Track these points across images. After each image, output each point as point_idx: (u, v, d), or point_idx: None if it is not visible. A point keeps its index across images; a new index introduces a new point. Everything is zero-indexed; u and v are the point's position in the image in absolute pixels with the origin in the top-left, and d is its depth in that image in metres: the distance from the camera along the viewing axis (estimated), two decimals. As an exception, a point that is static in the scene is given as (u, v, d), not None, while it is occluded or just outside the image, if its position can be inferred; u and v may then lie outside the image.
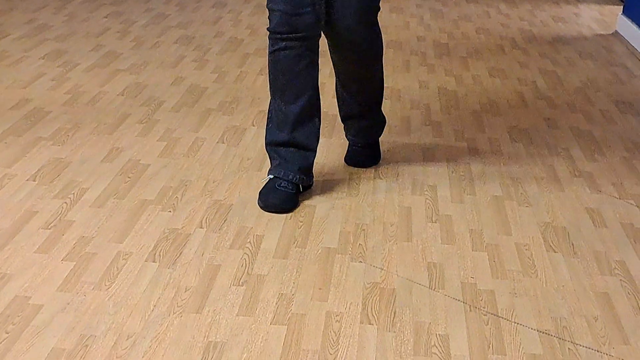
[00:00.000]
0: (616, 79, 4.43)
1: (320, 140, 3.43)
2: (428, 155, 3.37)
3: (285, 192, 2.88)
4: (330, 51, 3.03)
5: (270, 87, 2.91)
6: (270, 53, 2.85)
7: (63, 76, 4.05)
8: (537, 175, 3.24)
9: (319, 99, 2.92)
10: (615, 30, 5.34)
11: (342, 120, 3.22)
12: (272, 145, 2.94)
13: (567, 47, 4.99)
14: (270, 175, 2.92)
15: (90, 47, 4.52)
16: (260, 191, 2.90)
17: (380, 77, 3.11)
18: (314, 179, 3.02)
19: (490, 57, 4.72)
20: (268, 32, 2.85)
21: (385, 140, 3.48)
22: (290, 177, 2.90)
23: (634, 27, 5.00)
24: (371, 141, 3.24)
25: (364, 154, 3.23)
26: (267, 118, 2.95)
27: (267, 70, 2.97)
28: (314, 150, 2.94)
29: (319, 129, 2.95)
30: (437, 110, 3.85)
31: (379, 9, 2.93)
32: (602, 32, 5.35)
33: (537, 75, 4.42)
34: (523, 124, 3.73)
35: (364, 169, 3.21)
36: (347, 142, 3.32)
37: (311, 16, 2.78)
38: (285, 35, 2.80)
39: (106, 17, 5.12)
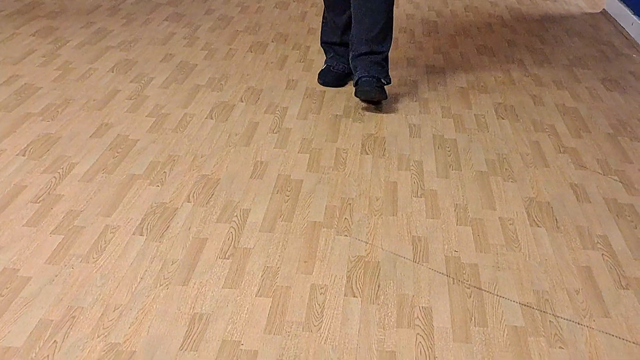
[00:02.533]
0: (603, 56, 4.46)
1: (308, 116, 3.47)
2: (415, 131, 3.40)
3: (338, 74, 3.81)
4: None
5: (324, 3, 3.79)
6: None
7: (53, 53, 4.07)
8: (522, 151, 3.27)
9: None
10: (604, 9, 5.36)
11: (352, 60, 3.66)
12: (327, 43, 3.85)
13: (555, 25, 5.02)
14: (327, 64, 3.85)
15: (81, 25, 4.52)
16: (320, 73, 3.85)
17: (391, 14, 3.60)
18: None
19: (479, 35, 4.74)
20: None
21: (373, 116, 3.51)
22: (341, 66, 3.82)
23: (621, 5, 5.02)
24: (377, 75, 3.59)
25: (374, 84, 3.55)
26: (322, 23, 3.86)
27: None
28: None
29: None
30: (425, 87, 3.87)
31: None
32: (590, 11, 5.38)
33: (524, 53, 4.44)
34: (509, 101, 3.76)
35: (352, 144, 3.24)
36: (335, 119, 3.37)
37: None
38: None
39: (96, -5, 5.13)
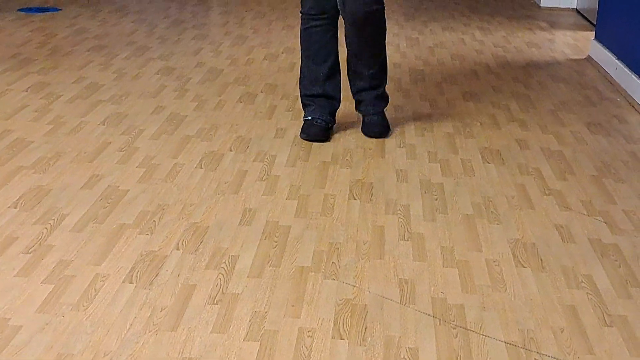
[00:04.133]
0: (588, 101, 4.53)
1: (296, 163, 3.52)
2: (401, 176, 3.45)
3: (321, 127, 3.80)
4: (345, 30, 3.76)
5: (302, 54, 3.85)
6: (303, 30, 3.80)
7: (45, 107, 4.13)
8: (508, 194, 3.32)
9: (339, 60, 3.84)
10: (588, 55, 5.45)
11: (354, 95, 3.90)
12: (308, 96, 3.86)
13: (540, 71, 5.10)
14: (308, 117, 3.82)
15: (72, 80, 4.59)
16: (302, 128, 3.81)
17: (384, 53, 3.86)
18: (335, 121, 3.92)
19: (465, 81, 4.82)
20: (301, 14, 3.79)
21: (360, 162, 3.56)
22: (323, 117, 3.82)
23: (605, 51, 5.11)
24: (380, 110, 3.89)
25: (379, 122, 3.87)
26: (300, 77, 3.88)
27: (300, 42, 3.86)
28: (338, 100, 3.89)
29: (341, 83, 3.88)
30: (412, 133, 3.93)
31: None
32: (575, 57, 5.46)
33: (510, 99, 4.51)
34: (495, 145, 3.82)
35: (339, 190, 3.28)
36: (324, 166, 3.43)
37: (333, 1, 3.69)
38: (317, 15, 3.73)
39: (89, 51, 5.21)
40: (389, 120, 3.94)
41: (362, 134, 3.88)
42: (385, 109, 3.94)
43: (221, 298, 2.52)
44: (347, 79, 3.91)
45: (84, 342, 2.28)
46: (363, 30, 3.71)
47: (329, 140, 3.80)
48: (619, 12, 4.99)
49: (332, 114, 3.87)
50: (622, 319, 2.49)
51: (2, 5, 6.43)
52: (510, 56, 5.42)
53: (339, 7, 3.68)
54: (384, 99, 3.93)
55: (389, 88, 4.55)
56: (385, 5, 3.74)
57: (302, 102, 3.91)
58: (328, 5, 3.72)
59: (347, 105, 4.15)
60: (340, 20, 3.78)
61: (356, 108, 3.94)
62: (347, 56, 3.85)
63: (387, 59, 3.99)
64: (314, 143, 3.76)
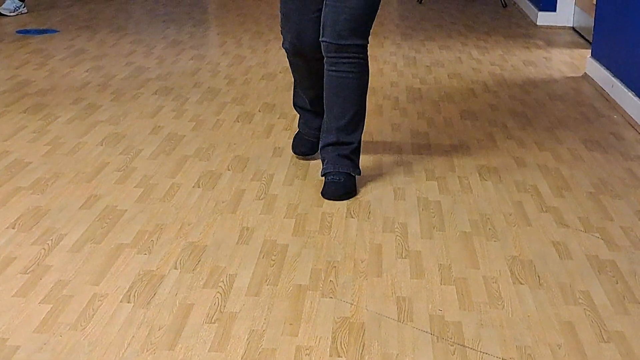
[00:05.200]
0: (584, 118, 4.54)
1: (294, 182, 3.53)
2: (399, 194, 3.45)
3: (307, 141, 3.80)
4: (324, 72, 3.49)
5: (293, 76, 3.74)
6: (287, 58, 3.63)
7: (43, 129, 4.14)
8: (505, 212, 3.32)
9: None
10: (585, 73, 5.46)
11: (320, 150, 3.52)
12: (299, 107, 3.82)
13: (537, 89, 5.11)
14: (300, 128, 3.82)
15: (70, 101, 4.61)
16: (294, 139, 3.83)
17: (364, 105, 3.48)
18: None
19: (462, 100, 4.83)
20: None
21: (358, 180, 3.57)
22: (312, 132, 3.78)
23: (601, 68, 5.13)
24: (346, 171, 3.43)
25: (337, 182, 3.39)
26: (293, 87, 3.80)
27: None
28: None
29: None
30: (409, 151, 3.94)
31: (369, 27, 3.36)
32: (571, 75, 5.48)
33: (507, 117, 4.53)
34: (492, 163, 3.83)
35: (337, 208, 3.29)
36: (321, 184, 3.45)
37: (313, 42, 3.45)
38: (296, 54, 3.53)
39: (87, 72, 5.23)
40: (355, 184, 3.45)
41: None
42: (353, 176, 3.44)
43: (219, 317, 2.52)
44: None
45: (81, 362, 2.28)
46: (337, 68, 3.37)
47: (315, 153, 3.82)
48: (614, 30, 5.02)
49: (320, 129, 3.75)
50: (620, 335, 2.49)
51: (0, 27, 6.46)
52: (507, 74, 5.44)
53: (320, 38, 3.37)
54: (351, 161, 3.45)
55: (386, 106, 4.57)
56: (367, 49, 3.40)
57: (295, 109, 3.86)
58: (306, 47, 3.45)
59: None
60: None
61: (322, 171, 3.49)
62: (324, 101, 3.52)
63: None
64: (311, 161, 3.77)
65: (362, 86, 3.43)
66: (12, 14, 6.94)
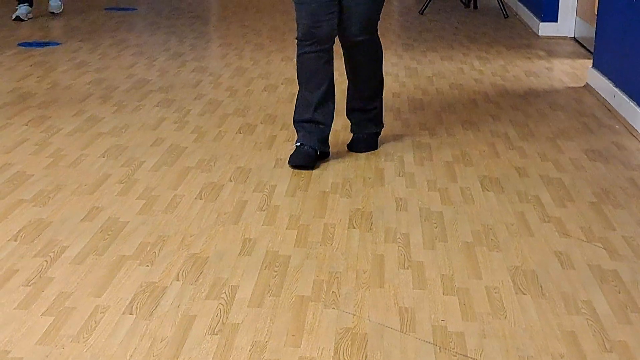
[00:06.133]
0: (586, 128, 4.55)
1: (296, 193, 3.53)
2: (401, 205, 3.46)
3: (307, 153, 3.84)
4: (343, 54, 4.00)
5: (298, 80, 3.94)
6: (298, 56, 3.90)
7: (45, 141, 4.14)
8: (507, 222, 3.32)
9: (333, 88, 3.93)
10: (586, 83, 5.47)
11: (348, 115, 4.12)
12: (298, 122, 3.92)
13: (539, 99, 5.12)
14: (297, 143, 3.88)
15: (72, 113, 4.62)
16: (290, 155, 3.86)
17: (380, 77, 4.08)
18: (329, 149, 3.97)
19: (464, 110, 4.84)
20: (296, 39, 3.90)
21: (360, 191, 3.57)
22: (311, 144, 3.86)
23: (603, 79, 5.13)
24: (369, 132, 4.09)
25: (364, 140, 4.07)
26: (296, 103, 3.95)
27: (296, 68, 3.95)
28: (328, 126, 3.93)
29: (333, 110, 3.95)
30: (411, 162, 3.94)
31: (377, 21, 3.94)
32: (573, 85, 5.49)
33: (509, 127, 4.53)
34: (494, 174, 3.83)
35: (339, 219, 3.29)
36: (323, 195, 3.45)
37: (326, 28, 3.80)
38: (309, 42, 3.82)
39: (89, 84, 5.24)
40: (378, 143, 4.13)
41: (361, 163, 3.90)
42: (376, 133, 4.13)
43: (221, 328, 2.52)
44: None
45: (84, 374, 2.28)
46: (355, 56, 3.96)
47: (315, 167, 3.83)
48: (616, 40, 5.02)
49: (322, 140, 3.89)
50: (622, 345, 2.49)
51: (2, 39, 6.48)
52: (508, 85, 5.45)
53: (334, 31, 3.85)
54: (376, 122, 4.12)
55: (388, 117, 4.58)
56: (377, 33, 3.96)
57: (294, 127, 3.97)
58: (320, 33, 3.80)
59: (346, 134, 4.17)
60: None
61: (351, 129, 4.14)
62: (346, 74, 4.10)
63: (384, 86, 4.16)
64: (313, 172, 3.78)
65: (377, 61, 4.04)
66: (27, 18, 7.30)
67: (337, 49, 3.92)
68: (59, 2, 7.55)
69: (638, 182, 3.78)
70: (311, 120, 3.87)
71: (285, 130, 4.38)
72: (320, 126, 3.89)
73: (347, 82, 4.09)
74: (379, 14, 3.95)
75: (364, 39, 3.90)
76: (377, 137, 4.16)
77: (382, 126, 4.17)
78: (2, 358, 2.34)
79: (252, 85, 5.32)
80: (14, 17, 7.22)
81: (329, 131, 3.95)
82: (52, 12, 7.50)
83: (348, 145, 4.09)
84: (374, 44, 3.98)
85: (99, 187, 3.58)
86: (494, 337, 2.51)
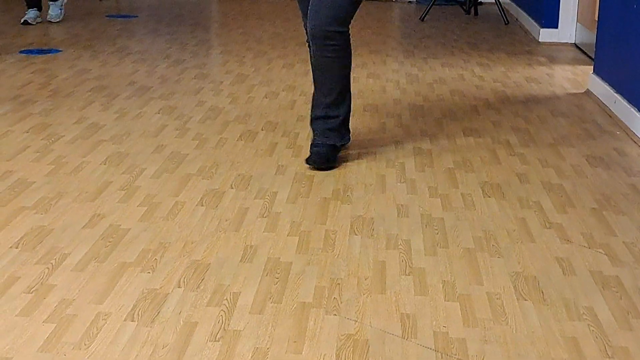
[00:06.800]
0: (587, 134, 4.55)
1: (297, 200, 3.53)
2: (402, 211, 3.46)
3: (319, 153, 3.90)
4: (311, 55, 3.95)
5: (313, 80, 4.01)
6: (310, 58, 3.99)
7: (47, 148, 4.15)
8: (508, 228, 3.32)
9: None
10: (587, 89, 5.47)
11: (311, 122, 4.01)
12: (312, 120, 3.98)
13: (540, 106, 5.12)
14: (312, 142, 3.96)
15: (73, 120, 4.62)
16: (308, 158, 3.89)
17: (346, 84, 3.94)
18: (349, 137, 4.06)
19: (465, 117, 4.84)
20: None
21: (361, 197, 3.58)
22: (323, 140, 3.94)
23: (604, 85, 5.13)
24: (332, 142, 3.93)
25: (320, 153, 3.88)
26: (312, 97, 4.01)
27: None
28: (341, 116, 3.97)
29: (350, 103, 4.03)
30: (412, 168, 3.95)
31: (350, 16, 3.82)
32: (574, 91, 5.49)
33: (510, 133, 4.53)
34: (495, 180, 3.83)
35: (340, 225, 3.29)
36: (324, 202, 3.47)
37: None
38: (310, 44, 3.93)
39: (90, 92, 5.24)
40: (337, 156, 3.97)
41: (362, 169, 3.90)
42: (335, 146, 3.96)
43: (223, 335, 2.52)
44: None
45: (85, 381, 2.28)
46: (322, 53, 3.84)
47: (335, 167, 3.94)
48: (617, 46, 5.03)
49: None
50: (624, 351, 2.49)
51: (3, 47, 6.49)
52: (509, 91, 5.45)
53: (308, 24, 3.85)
54: (338, 133, 3.97)
55: (389, 124, 4.58)
56: (349, 33, 3.86)
57: (311, 127, 4.05)
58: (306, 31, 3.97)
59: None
60: None
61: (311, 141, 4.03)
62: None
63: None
64: (315, 179, 3.78)
65: (346, 67, 3.90)
66: (57, 20, 7.56)
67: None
68: (59, 12, 7.60)
69: (639, 188, 3.78)
70: (322, 117, 3.98)
71: (286, 137, 4.38)
72: (335, 119, 3.98)
73: (313, 89, 4.03)
74: (353, 8, 3.82)
75: (337, 31, 3.79)
76: (337, 152, 3.98)
77: (347, 141, 4.02)
78: (4, 365, 2.34)
79: (254, 92, 5.32)
80: (22, 21, 7.34)
81: (342, 119, 4.02)
82: (50, 21, 7.54)
83: (307, 159, 3.92)
84: (344, 42, 3.85)
85: (100, 194, 3.58)
86: (496, 343, 2.51)
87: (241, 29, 7.58)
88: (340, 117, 3.96)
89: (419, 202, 3.56)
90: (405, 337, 2.53)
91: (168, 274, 2.89)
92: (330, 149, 3.92)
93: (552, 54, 6.67)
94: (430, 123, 4.70)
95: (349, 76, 3.94)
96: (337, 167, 3.91)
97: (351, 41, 3.92)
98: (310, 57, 3.98)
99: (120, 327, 2.55)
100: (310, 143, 4.01)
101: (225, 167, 3.92)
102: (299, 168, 3.91)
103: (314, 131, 3.99)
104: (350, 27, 3.86)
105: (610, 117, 4.86)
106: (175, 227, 3.27)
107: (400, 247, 3.14)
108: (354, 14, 3.85)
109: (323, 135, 3.94)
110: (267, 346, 2.47)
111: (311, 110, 4.02)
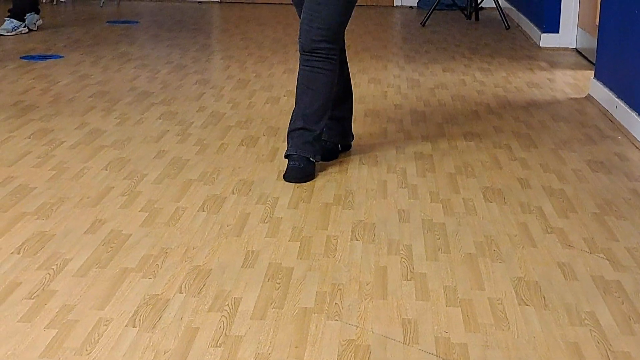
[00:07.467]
0: (588, 139, 4.55)
1: (298, 205, 3.53)
2: (404, 216, 3.46)
3: (327, 148, 4.06)
4: (299, 67, 3.91)
5: None
6: None
7: (48, 154, 4.15)
8: (510, 233, 3.32)
9: (350, 87, 4.14)
10: (588, 94, 5.47)
11: (288, 133, 3.92)
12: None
13: (541, 111, 5.12)
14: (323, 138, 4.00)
15: (75, 126, 4.62)
16: (285, 174, 3.83)
17: (327, 101, 3.88)
18: (352, 140, 4.21)
19: (466, 122, 4.84)
20: None
21: (362, 203, 3.58)
22: (331, 139, 4.11)
23: (605, 89, 5.14)
24: (307, 155, 3.85)
25: (296, 168, 3.81)
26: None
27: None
28: (348, 119, 4.18)
29: (352, 106, 4.20)
30: (413, 173, 3.95)
31: (341, 30, 3.85)
32: (575, 96, 5.49)
33: (511, 138, 4.53)
34: (497, 185, 3.83)
35: (342, 231, 3.29)
36: (325, 207, 3.48)
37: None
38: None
39: (91, 97, 5.25)
40: (314, 170, 3.88)
41: (363, 174, 3.90)
42: (311, 161, 3.86)
43: (224, 340, 2.52)
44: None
45: (87, 387, 2.28)
46: (308, 65, 3.85)
47: (336, 158, 4.07)
48: (618, 51, 5.03)
49: (342, 134, 4.14)
50: (626, 356, 2.48)
51: (4, 53, 6.50)
52: (511, 96, 5.46)
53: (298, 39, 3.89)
54: (313, 147, 3.87)
55: (391, 129, 4.59)
56: (343, 51, 3.96)
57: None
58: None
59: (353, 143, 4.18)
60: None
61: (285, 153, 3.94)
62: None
63: (363, 146, 4.17)
64: (316, 184, 3.78)
65: (330, 82, 3.87)
66: (9, 34, 7.17)
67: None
68: (11, 27, 7.19)
69: (640, 192, 3.78)
70: (330, 117, 4.03)
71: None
72: (337, 122, 4.09)
73: (343, 116, 4.12)
74: (344, 23, 3.83)
75: (325, 47, 3.79)
76: (313, 167, 3.88)
77: (320, 159, 3.92)
78: (5, 371, 2.34)
79: (255, 97, 5.33)
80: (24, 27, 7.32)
81: (350, 123, 4.17)
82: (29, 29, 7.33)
83: (284, 175, 3.84)
84: (331, 58, 3.83)
85: (102, 199, 3.58)
86: (497, 348, 2.51)
87: (242, 35, 7.59)
88: (317, 132, 3.88)
89: (420, 207, 3.56)
90: (407, 343, 2.53)
91: (169, 280, 2.89)
92: (306, 162, 3.84)
93: (553, 59, 6.67)
94: (432, 128, 4.70)
95: (331, 92, 3.89)
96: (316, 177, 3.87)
97: (346, 57, 4.08)
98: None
99: (121, 332, 2.55)
100: (284, 155, 3.91)
101: (227, 173, 3.92)
102: (300, 173, 3.90)
103: (289, 143, 3.89)
104: (343, 46, 3.99)
105: (612, 121, 4.86)
106: (176, 232, 3.27)
107: (401, 252, 3.14)
108: (344, 28, 3.86)
109: (298, 147, 3.85)
110: (269, 352, 2.46)
111: (289, 123, 3.93)
